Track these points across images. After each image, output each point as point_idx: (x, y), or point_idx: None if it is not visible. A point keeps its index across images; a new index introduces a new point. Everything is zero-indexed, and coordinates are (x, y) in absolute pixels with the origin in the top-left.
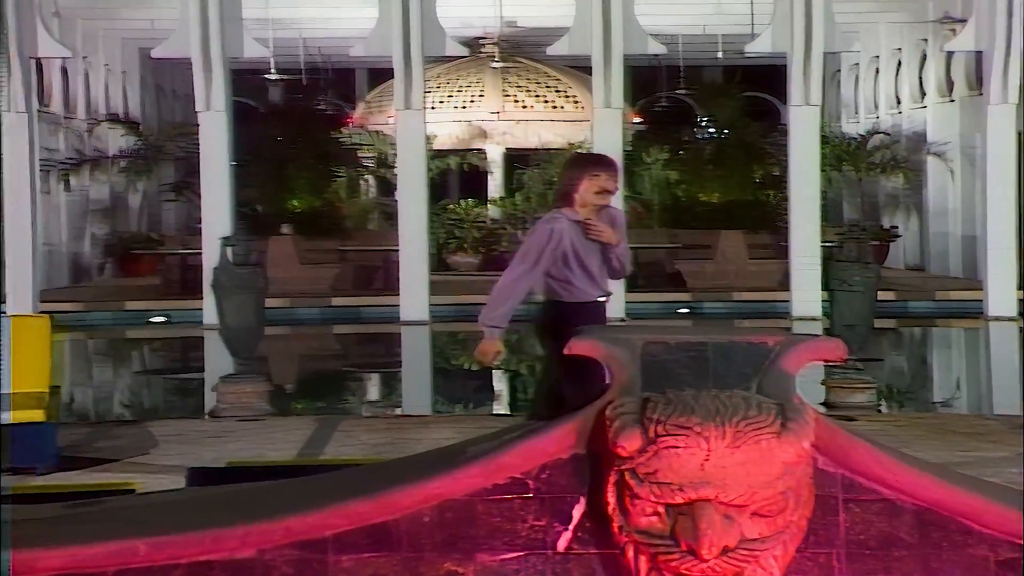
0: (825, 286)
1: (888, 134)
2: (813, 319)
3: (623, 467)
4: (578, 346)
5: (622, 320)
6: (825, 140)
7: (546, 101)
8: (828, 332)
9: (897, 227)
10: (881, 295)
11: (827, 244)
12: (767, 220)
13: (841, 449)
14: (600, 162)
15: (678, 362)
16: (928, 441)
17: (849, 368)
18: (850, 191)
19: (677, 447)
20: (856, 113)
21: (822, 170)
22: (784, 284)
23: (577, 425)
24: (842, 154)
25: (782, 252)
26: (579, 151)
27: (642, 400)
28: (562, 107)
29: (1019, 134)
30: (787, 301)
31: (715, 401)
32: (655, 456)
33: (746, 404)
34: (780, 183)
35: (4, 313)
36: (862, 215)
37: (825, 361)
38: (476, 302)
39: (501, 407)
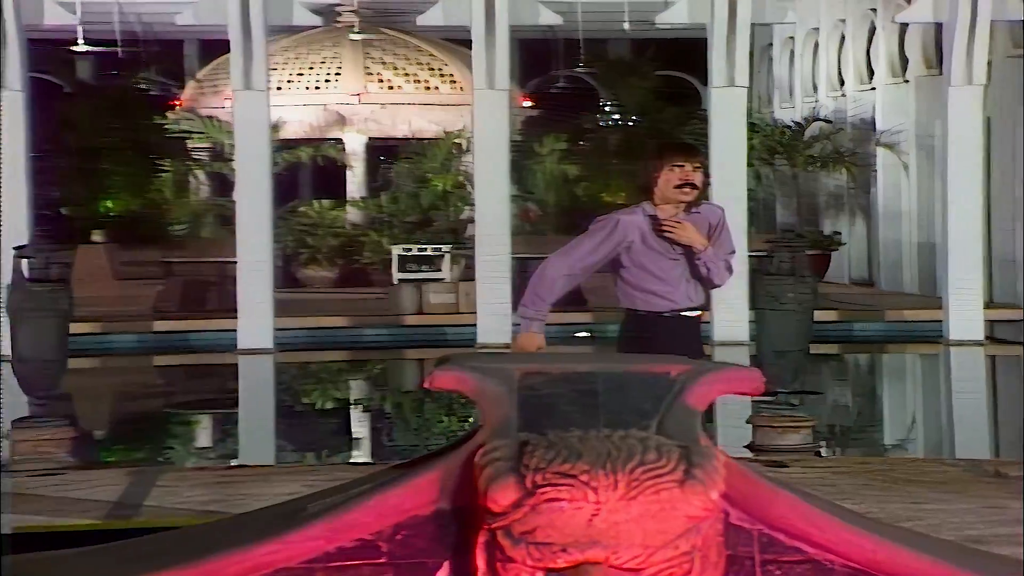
0: (752, 304)
1: (830, 121)
2: (738, 344)
3: (495, 525)
4: (440, 378)
5: (507, 346)
6: (754, 128)
7: (417, 81)
8: (756, 360)
9: (840, 233)
10: (820, 315)
11: (755, 254)
12: None
13: (759, 500)
14: (682, 150)
15: (563, 397)
16: (875, 491)
17: (781, 403)
18: (784, 190)
19: (560, 500)
20: (791, 96)
21: (750, 164)
22: (704, 303)
23: (439, 475)
24: (774, 145)
25: None
26: (661, 140)
27: (518, 444)
28: (436, 88)
29: (987, 121)
30: (707, 323)
31: (606, 444)
32: (533, 511)
33: (643, 447)
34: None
35: None
36: (798, 219)
37: (740, 394)
38: (333, 326)
39: (362, 454)
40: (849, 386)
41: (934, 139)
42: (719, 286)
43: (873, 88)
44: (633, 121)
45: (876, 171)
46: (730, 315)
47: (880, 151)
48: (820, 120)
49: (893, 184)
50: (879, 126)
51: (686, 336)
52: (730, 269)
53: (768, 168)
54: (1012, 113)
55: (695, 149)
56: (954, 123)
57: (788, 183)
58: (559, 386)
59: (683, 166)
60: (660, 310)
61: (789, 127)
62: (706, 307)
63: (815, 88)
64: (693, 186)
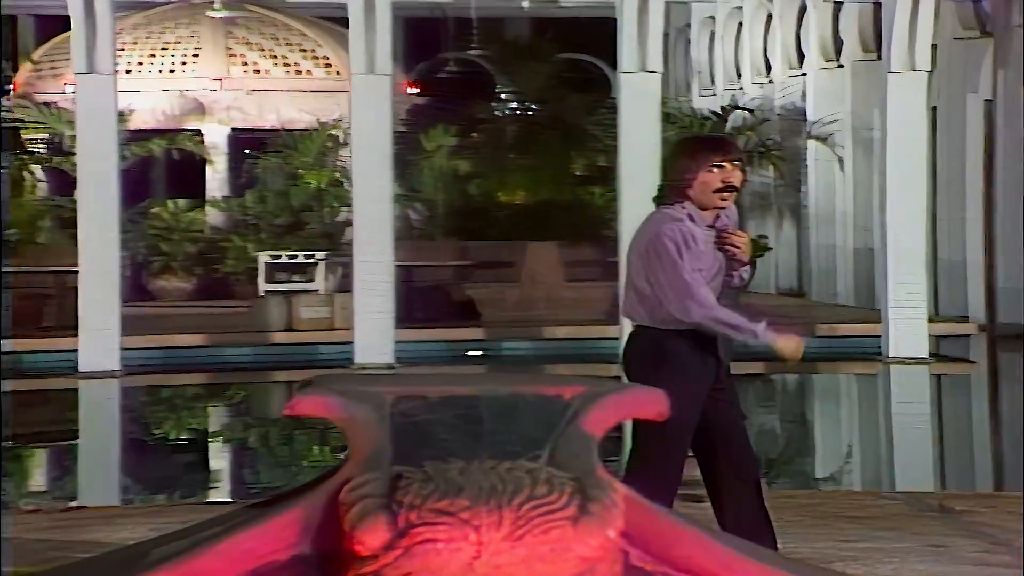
0: None
1: (754, 111)
2: None
3: (363, 570)
4: (303, 403)
5: (389, 366)
6: (669, 119)
7: (287, 64)
8: None
9: (766, 237)
10: None
11: None
12: (591, 228)
13: (663, 539)
14: (722, 147)
15: (442, 423)
16: (803, 527)
17: None
18: None
19: (436, 541)
20: (712, 83)
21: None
22: (612, 316)
23: (300, 515)
24: None
25: (610, 272)
26: (696, 134)
27: (391, 477)
28: (309, 72)
29: (931, 111)
30: (616, 339)
31: (490, 476)
32: (407, 554)
33: (532, 480)
34: (609, 177)
35: None
36: None
37: (644, 419)
38: (189, 345)
39: (221, 493)
40: (776, 410)
41: (872, 131)
42: (744, 287)
43: (803, 74)
44: (533, 110)
45: (807, 167)
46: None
47: (811, 144)
48: (743, 109)
49: (826, 182)
50: (810, 116)
51: (708, 354)
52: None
53: None
54: (959, 102)
55: (735, 145)
56: (895, 113)
57: None
58: (438, 411)
59: (723, 166)
60: (677, 326)
61: (709, 117)
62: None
63: (738, 74)
64: (734, 188)
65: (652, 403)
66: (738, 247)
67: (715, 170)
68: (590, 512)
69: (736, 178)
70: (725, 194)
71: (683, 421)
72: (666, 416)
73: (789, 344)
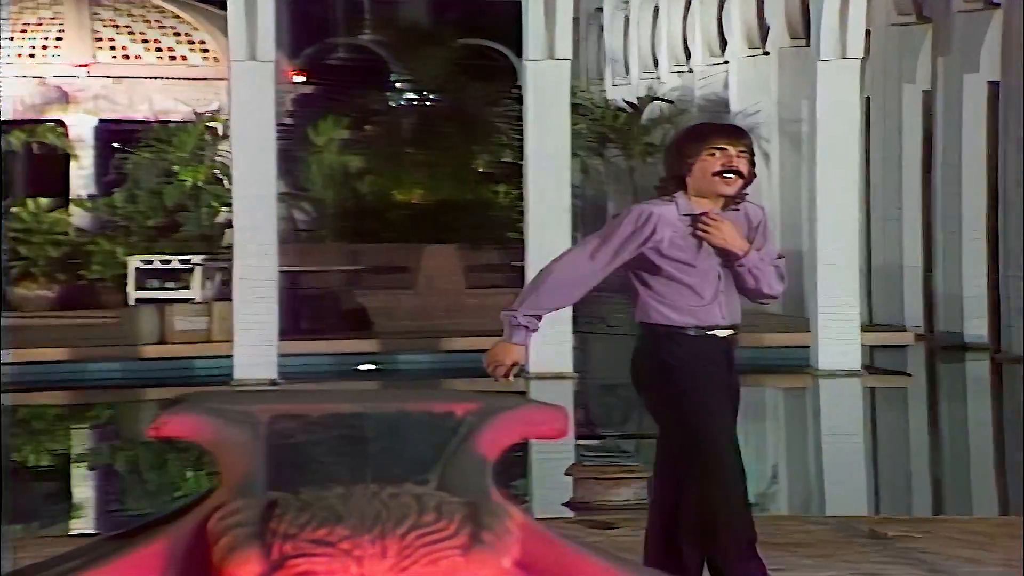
0: (575, 328)
1: (672, 102)
2: (560, 376)
3: None
4: (169, 424)
5: (273, 382)
6: (580, 110)
7: (160, 49)
8: (580, 395)
9: None
10: None
11: None
12: (494, 229)
13: (562, 569)
14: (724, 131)
15: (322, 445)
16: None
17: (609, 449)
18: (617, 185)
19: (315, 574)
20: (626, 72)
21: (575, 154)
22: (738, 321)
23: (164, 546)
24: (605, 131)
25: (516, 277)
26: (699, 121)
27: (264, 505)
28: (184, 58)
29: (865, 101)
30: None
31: (374, 503)
32: None
33: (419, 506)
34: (514, 174)
35: None
36: None
37: (542, 438)
38: (50, 360)
39: (85, 523)
40: None
41: (800, 124)
42: (772, 298)
43: (726, 62)
44: (431, 101)
45: None
46: (548, 341)
47: None
48: (661, 100)
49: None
50: (733, 107)
51: (716, 361)
52: (782, 277)
53: (598, 159)
54: (895, 93)
55: (740, 130)
56: (825, 105)
57: (622, 177)
58: (318, 432)
59: (725, 149)
60: (683, 327)
61: (623, 109)
62: (738, 327)
63: (655, 62)
64: (738, 174)
65: (552, 421)
66: (705, 231)
67: (716, 153)
68: (483, 541)
69: (738, 162)
70: (727, 178)
71: (710, 434)
72: (565, 434)
73: (497, 352)
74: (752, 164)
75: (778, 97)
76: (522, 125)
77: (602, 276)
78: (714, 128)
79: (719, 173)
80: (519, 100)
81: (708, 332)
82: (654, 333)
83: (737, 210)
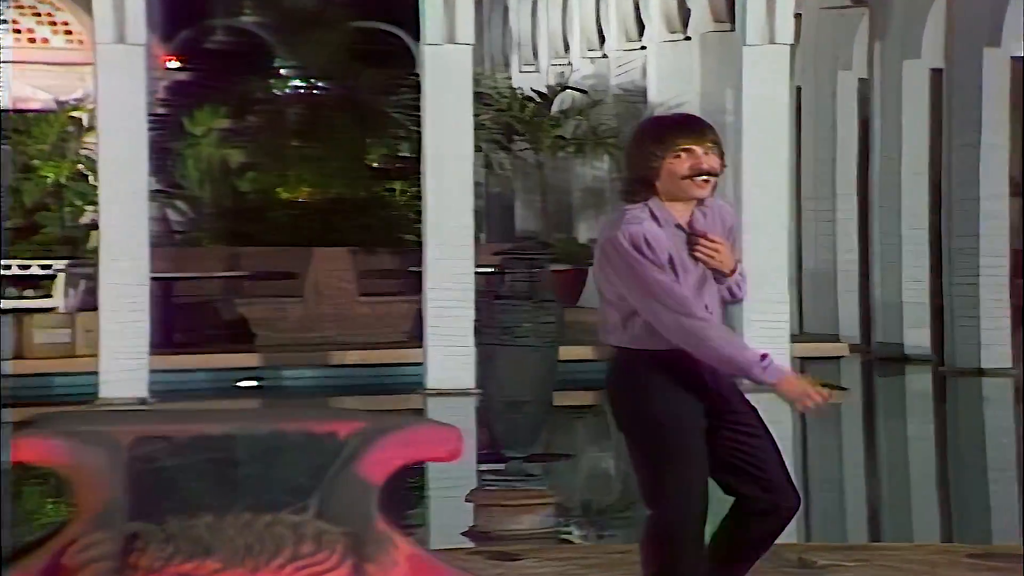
0: (478, 339)
1: (585, 91)
2: (459, 392)
3: None
4: (19, 448)
5: (142, 401)
6: (483, 100)
7: (17, 31)
8: (482, 413)
9: None
10: (569, 352)
11: (483, 270)
12: (390, 231)
13: None
14: (689, 127)
15: (190, 470)
16: None
17: (513, 473)
18: (525, 183)
19: None
20: (534, 58)
21: (478, 148)
22: (415, 337)
23: None
24: (512, 123)
25: (413, 284)
26: (658, 114)
27: (126, 537)
28: (45, 41)
29: (795, 91)
30: (419, 364)
31: (246, 533)
32: None
33: (296, 536)
34: (412, 169)
35: None
36: (544, 222)
37: (433, 460)
38: None
39: None
40: (610, 449)
41: (725, 115)
42: (739, 302)
43: (643, 47)
44: (320, 89)
45: None
46: (448, 353)
47: None
48: (573, 89)
49: None
50: (652, 97)
51: (700, 379)
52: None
53: (503, 154)
54: (828, 81)
55: (705, 125)
56: (752, 94)
57: (530, 173)
58: (185, 455)
59: (692, 149)
60: (662, 346)
61: (531, 98)
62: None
63: (566, 47)
64: (711, 174)
65: (444, 441)
66: (709, 254)
67: (682, 154)
68: (366, 573)
69: (708, 161)
70: (700, 181)
71: (680, 464)
72: (459, 456)
73: (795, 386)
74: (721, 156)
75: (701, 86)
76: (420, 116)
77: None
78: (675, 125)
79: (690, 176)
80: (417, 88)
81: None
82: (632, 357)
83: (707, 209)
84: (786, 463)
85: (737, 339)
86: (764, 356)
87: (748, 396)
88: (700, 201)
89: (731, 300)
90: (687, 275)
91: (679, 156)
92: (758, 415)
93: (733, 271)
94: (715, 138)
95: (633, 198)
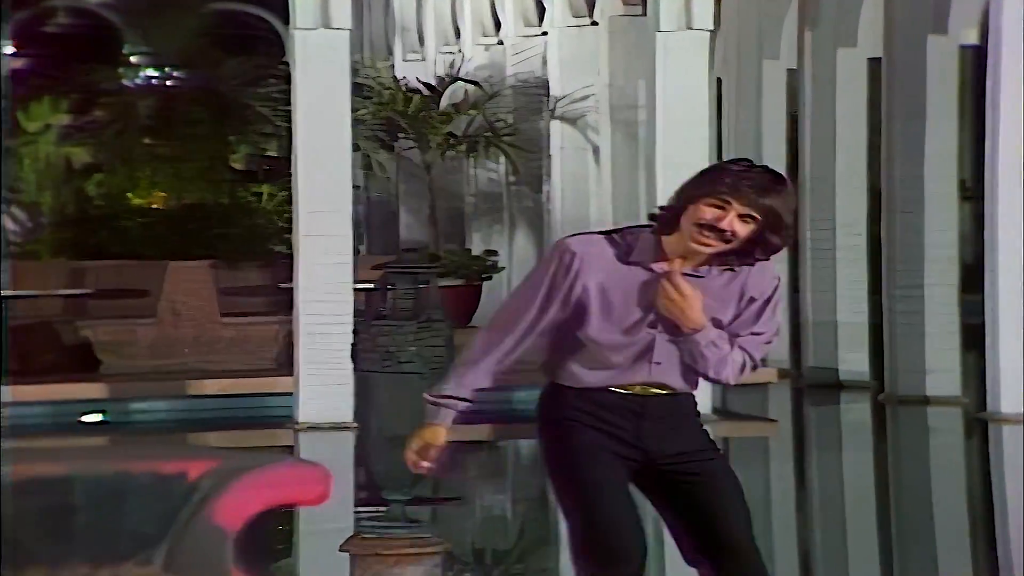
0: (356, 365)
1: (478, 83)
2: (338, 426)
3: None
4: None
5: None
6: (363, 92)
7: None
8: (360, 450)
9: (497, 253)
10: None
11: (363, 286)
12: (256, 242)
13: None
14: (740, 182)
15: (20, 518)
16: None
17: (395, 518)
18: (411, 187)
19: None
20: (421, 45)
21: (357, 147)
22: (287, 362)
23: None
24: (395, 118)
25: (283, 302)
26: (737, 158)
27: None
28: None
29: (716, 83)
30: (290, 395)
31: None
32: None
33: None
34: (281, 172)
35: None
36: (432, 231)
37: (296, 504)
38: None
39: None
40: (507, 489)
41: (637, 109)
42: (715, 382)
43: (544, 33)
44: (176, 79)
45: (551, 159)
46: (322, 382)
47: (556, 127)
48: (465, 81)
49: (576, 177)
50: (554, 90)
51: (621, 414)
52: (747, 366)
53: (385, 153)
54: (753, 71)
55: (774, 186)
56: (667, 86)
57: (417, 176)
58: (16, 501)
59: (723, 208)
60: (601, 385)
61: (417, 90)
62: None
63: (457, 33)
64: (722, 237)
65: (308, 483)
66: (666, 299)
67: (710, 210)
68: None
69: (732, 224)
70: (705, 236)
71: (596, 516)
72: (326, 499)
73: (422, 439)
74: (746, 222)
75: (609, 77)
76: (290, 110)
77: (529, 335)
78: (732, 177)
79: (701, 226)
80: (287, 79)
81: (621, 391)
82: (566, 391)
83: (733, 271)
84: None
85: (468, 362)
86: (448, 396)
87: None
88: (717, 260)
89: (696, 372)
90: (622, 317)
91: (711, 204)
92: (715, 461)
93: (695, 330)
94: (768, 207)
95: (653, 220)
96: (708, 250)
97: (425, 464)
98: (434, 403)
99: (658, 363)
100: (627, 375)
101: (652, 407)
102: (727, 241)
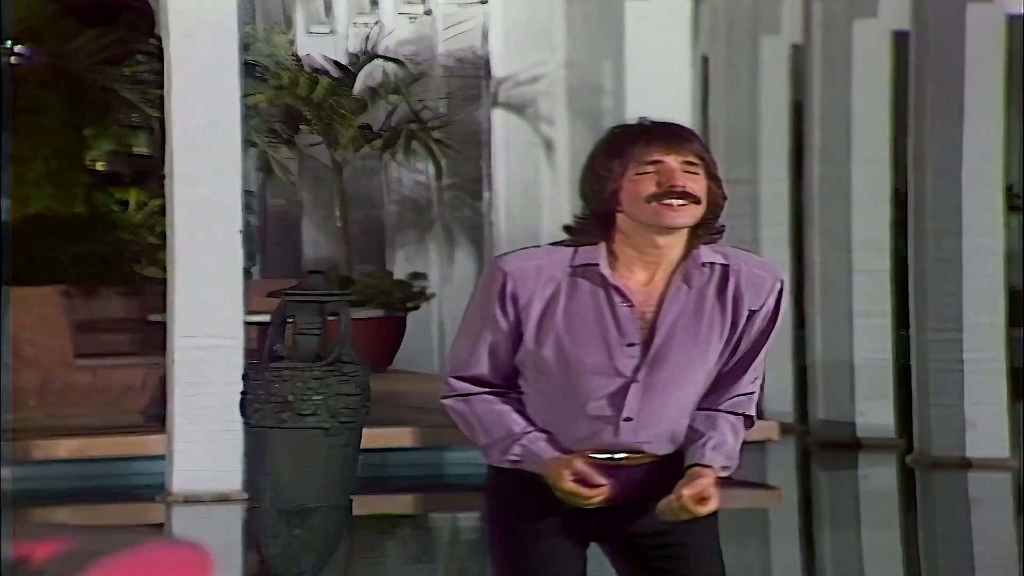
0: (248, 420)
1: (401, 62)
2: (222, 498)
3: None
4: None
5: None
6: (257, 74)
7: None
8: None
9: (426, 276)
10: (379, 437)
11: (255, 319)
12: (120, 262)
13: None
14: (659, 133)
15: None
16: None
17: None
18: (318, 192)
19: None
20: (328, 15)
21: (250, 143)
22: (159, 416)
23: None
24: (297, 106)
25: (153, 337)
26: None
27: None
28: None
29: (702, 61)
30: (162, 457)
31: None
32: None
33: None
34: (151, 174)
35: None
36: (345, 248)
37: None
38: None
39: None
40: (439, 566)
41: (602, 96)
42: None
43: (484, 1)
44: (18, 56)
45: (493, 154)
46: (202, 440)
47: (500, 117)
48: (385, 59)
49: (526, 179)
50: (497, 70)
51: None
52: (742, 434)
53: (285, 150)
54: (747, 49)
55: (685, 132)
56: (637, 66)
57: (324, 179)
58: None
59: (661, 161)
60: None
61: (324, 71)
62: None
63: (374, 0)
64: (686, 195)
65: (183, 567)
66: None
67: (648, 169)
68: None
69: (684, 179)
70: (667, 204)
71: None
72: None
73: (561, 471)
74: (713, 180)
75: (566, 56)
76: (163, 97)
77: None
78: (641, 133)
79: (656, 197)
80: (159, 57)
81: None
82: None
83: (703, 267)
84: None
85: (500, 417)
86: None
87: None
88: (696, 238)
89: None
90: (561, 350)
91: (644, 172)
92: (705, 532)
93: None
94: (700, 151)
95: (580, 237)
96: (679, 219)
97: (599, 486)
98: (517, 461)
99: (628, 419)
100: (593, 437)
101: (625, 477)
102: (696, 200)
